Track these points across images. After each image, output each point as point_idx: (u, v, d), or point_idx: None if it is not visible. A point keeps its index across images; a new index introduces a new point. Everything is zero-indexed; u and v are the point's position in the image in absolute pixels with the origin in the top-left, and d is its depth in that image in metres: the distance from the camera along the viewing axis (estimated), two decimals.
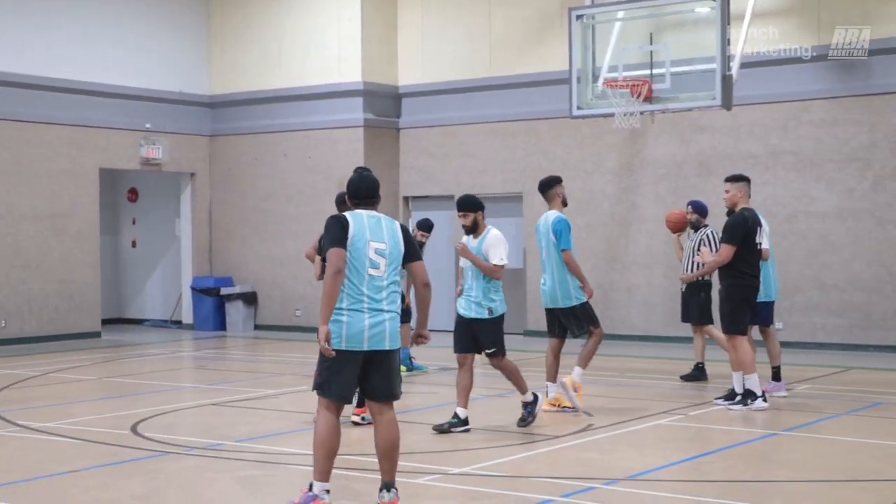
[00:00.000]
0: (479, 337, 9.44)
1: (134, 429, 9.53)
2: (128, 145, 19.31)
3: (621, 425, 9.63)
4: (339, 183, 19.03)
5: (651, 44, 14.69)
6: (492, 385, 13.01)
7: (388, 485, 6.39)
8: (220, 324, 19.95)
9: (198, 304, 20.03)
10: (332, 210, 13.33)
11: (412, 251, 6.51)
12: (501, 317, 9.46)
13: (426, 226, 13.48)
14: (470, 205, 9.31)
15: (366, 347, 6.26)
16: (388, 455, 6.36)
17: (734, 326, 10.38)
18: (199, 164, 20.47)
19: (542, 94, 17.90)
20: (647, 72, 14.55)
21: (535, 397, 9.60)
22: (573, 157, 17.95)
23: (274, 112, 19.90)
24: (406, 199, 19.66)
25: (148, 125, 19.53)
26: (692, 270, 12.26)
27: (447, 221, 19.28)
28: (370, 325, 6.26)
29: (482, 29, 18.73)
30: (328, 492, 6.36)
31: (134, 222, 21.86)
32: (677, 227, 12.57)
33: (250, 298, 19.89)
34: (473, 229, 9.34)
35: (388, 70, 19.41)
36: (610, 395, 11.61)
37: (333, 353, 6.22)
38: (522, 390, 9.61)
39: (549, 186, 10.36)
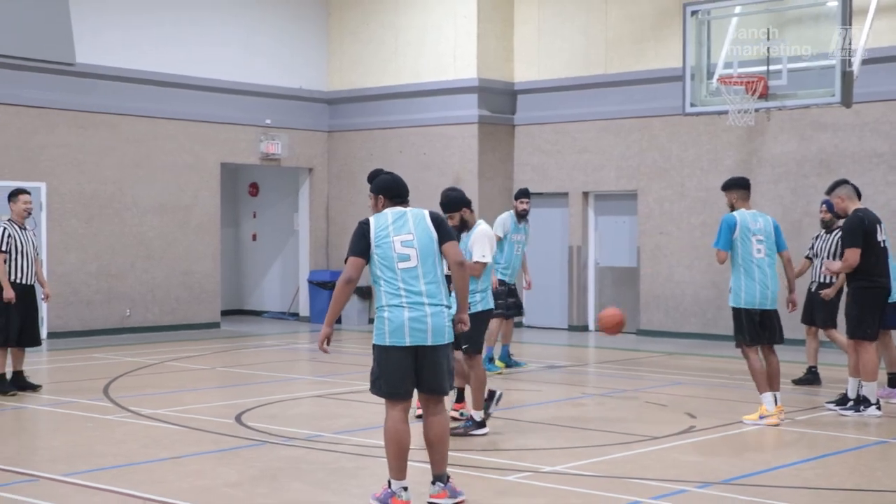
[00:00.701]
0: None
1: (238, 418, 9.71)
2: (248, 140, 19.68)
3: (724, 428, 9.43)
4: (456, 179, 19.08)
5: (768, 39, 14.32)
6: (602, 385, 12.91)
7: (437, 477, 6.42)
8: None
9: (314, 296, 20.32)
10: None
11: (444, 234, 6.46)
12: (483, 314, 9.05)
13: (521, 192, 13.34)
14: (452, 204, 8.84)
15: (408, 342, 6.28)
16: (436, 447, 6.39)
17: (860, 331, 9.98)
18: (317, 159, 20.74)
19: (657, 91, 17.67)
20: (764, 68, 14.20)
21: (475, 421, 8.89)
22: (689, 155, 17.67)
23: (390, 108, 20.06)
24: None
25: (268, 121, 19.88)
26: (821, 273, 11.86)
27: (561, 218, 19.18)
28: (410, 318, 6.28)
29: (598, 25, 18.56)
30: (406, 489, 6.40)
31: (255, 216, 22.26)
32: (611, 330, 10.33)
33: (365, 292, 20.09)
34: (463, 227, 9.05)
35: (503, 67, 19.39)
36: (715, 396, 11.42)
37: (328, 351, 6.44)
38: (476, 405, 8.96)
39: (748, 186, 9.94)
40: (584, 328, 18.77)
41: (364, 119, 20.40)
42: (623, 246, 18.58)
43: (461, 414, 9.61)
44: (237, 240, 22.47)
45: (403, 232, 6.38)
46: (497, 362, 13.33)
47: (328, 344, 6.49)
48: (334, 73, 20.80)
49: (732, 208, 9.93)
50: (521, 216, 13.19)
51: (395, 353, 6.30)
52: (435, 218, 6.50)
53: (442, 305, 6.38)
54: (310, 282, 20.43)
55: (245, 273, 22.42)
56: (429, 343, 6.31)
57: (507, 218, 13.17)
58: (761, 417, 9.61)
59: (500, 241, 13.01)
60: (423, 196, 19.56)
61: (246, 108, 19.59)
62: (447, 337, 6.39)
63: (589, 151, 18.69)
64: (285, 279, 21.76)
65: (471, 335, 8.85)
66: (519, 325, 19.16)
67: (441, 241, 6.46)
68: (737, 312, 9.84)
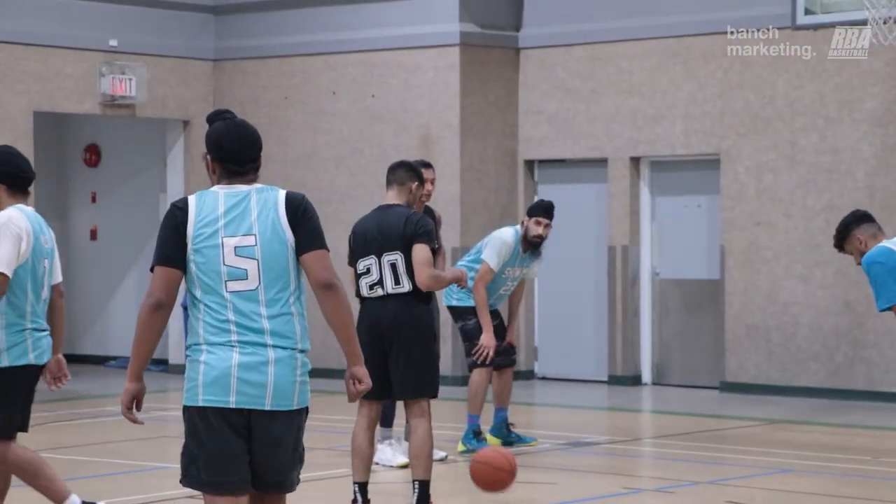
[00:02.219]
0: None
1: None
2: (81, 75, 19.55)
3: None
4: (424, 137, 18.98)
5: None
6: (661, 474, 12.88)
7: None
8: None
9: None
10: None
11: (306, 237, 6.43)
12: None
13: (542, 208, 13.30)
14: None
15: (234, 402, 6.30)
16: None
17: None
18: (197, 105, 20.61)
19: None
20: None
21: None
22: (805, 96, 17.64)
23: (314, 22, 20.03)
24: (529, 164, 19.59)
25: (113, 42, 19.78)
26: None
27: (596, 200, 19.17)
28: (241, 365, 6.30)
29: None
30: None
31: (94, 199, 22.17)
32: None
33: None
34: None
35: None
36: (849, 494, 11.43)
37: (139, 421, 6.40)
38: None
39: (872, 217, 9.99)
40: (635, 380, 18.77)
41: (272, 39, 20.34)
42: (697, 245, 18.60)
43: None
44: (65, 239, 22.26)
45: (241, 231, 6.40)
46: (489, 438, 13.36)
47: (139, 408, 6.40)
48: None
49: (862, 255, 9.93)
50: (532, 245, 13.14)
51: (214, 419, 6.34)
52: (294, 206, 6.48)
53: (293, 349, 6.40)
54: (185, 307, 20.29)
55: (78, 296, 22.25)
56: (266, 407, 6.36)
57: (511, 241, 13.05)
58: None
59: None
60: (373, 164, 19.45)
61: (77, 22, 19.47)
62: (297, 400, 6.40)
63: (639, 91, 18.67)
64: None
65: None
66: (527, 376, 19.11)
67: (301, 248, 6.43)
68: None
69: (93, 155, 22.16)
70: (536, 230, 13.13)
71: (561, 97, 19.25)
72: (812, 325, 17.54)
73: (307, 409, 6.47)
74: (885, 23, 14.29)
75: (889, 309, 9.80)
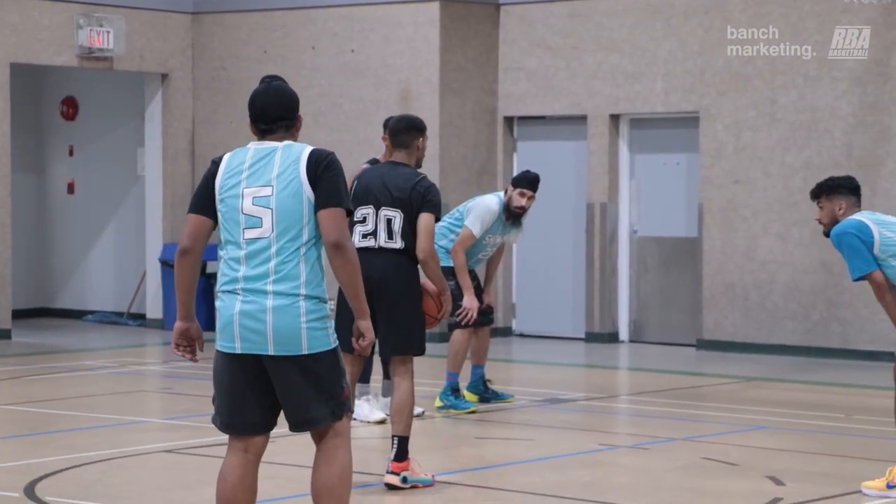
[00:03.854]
0: None
1: (30, 490, 9.65)
2: (59, 27, 19.49)
3: (828, 502, 9.59)
4: (404, 93, 19.00)
5: None
6: (637, 430, 12.93)
7: None
8: (208, 319, 20.07)
9: (170, 286, 20.23)
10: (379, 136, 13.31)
11: (323, 194, 6.70)
12: None
13: (528, 180, 13.30)
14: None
15: (239, 348, 6.68)
16: (321, 500, 6.75)
17: None
18: (176, 59, 20.60)
19: None
20: None
21: None
22: (785, 52, 17.65)
23: None
24: (508, 121, 19.61)
25: None
26: None
27: (575, 158, 19.19)
28: (242, 313, 6.65)
29: None
30: None
31: (71, 153, 22.10)
32: None
33: None
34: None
35: None
36: (819, 450, 11.55)
37: (189, 357, 6.85)
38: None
39: (858, 189, 10.10)
40: (613, 338, 18.88)
41: None
42: (675, 203, 18.69)
43: (403, 480, 9.82)
44: (42, 193, 22.30)
45: (260, 182, 6.70)
46: (467, 394, 13.42)
47: (192, 348, 6.83)
48: None
49: (835, 222, 10.00)
50: (514, 215, 13.14)
51: (227, 364, 6.74)
52: (315, 162, 6.73)
53: (297, 295, 6.66)
54: (163, 262, 20.34)
55: (55, 249, 22.29)
56: (269, 352, 6.67)
57: (495, 209, 13.01)
58: (890, 486, 9.70)
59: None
60: (352, 120, 19.49)
61: None
62: (305, 344, 6.67)
63: (621, 48, 18.70)
64: (122, 258, 21.70)
65: None
66: (504, 333, 19.25)
67: (318, 204, 6.70)
68: None
69: (70, 108, 22.09)
70: (520, 202, 13.11)
71: (541, 54, 19.27)
72: (789, 283, 17.64)
73: (332, 350, 6.70)
74: None
75: (862, 279, 9.92)
